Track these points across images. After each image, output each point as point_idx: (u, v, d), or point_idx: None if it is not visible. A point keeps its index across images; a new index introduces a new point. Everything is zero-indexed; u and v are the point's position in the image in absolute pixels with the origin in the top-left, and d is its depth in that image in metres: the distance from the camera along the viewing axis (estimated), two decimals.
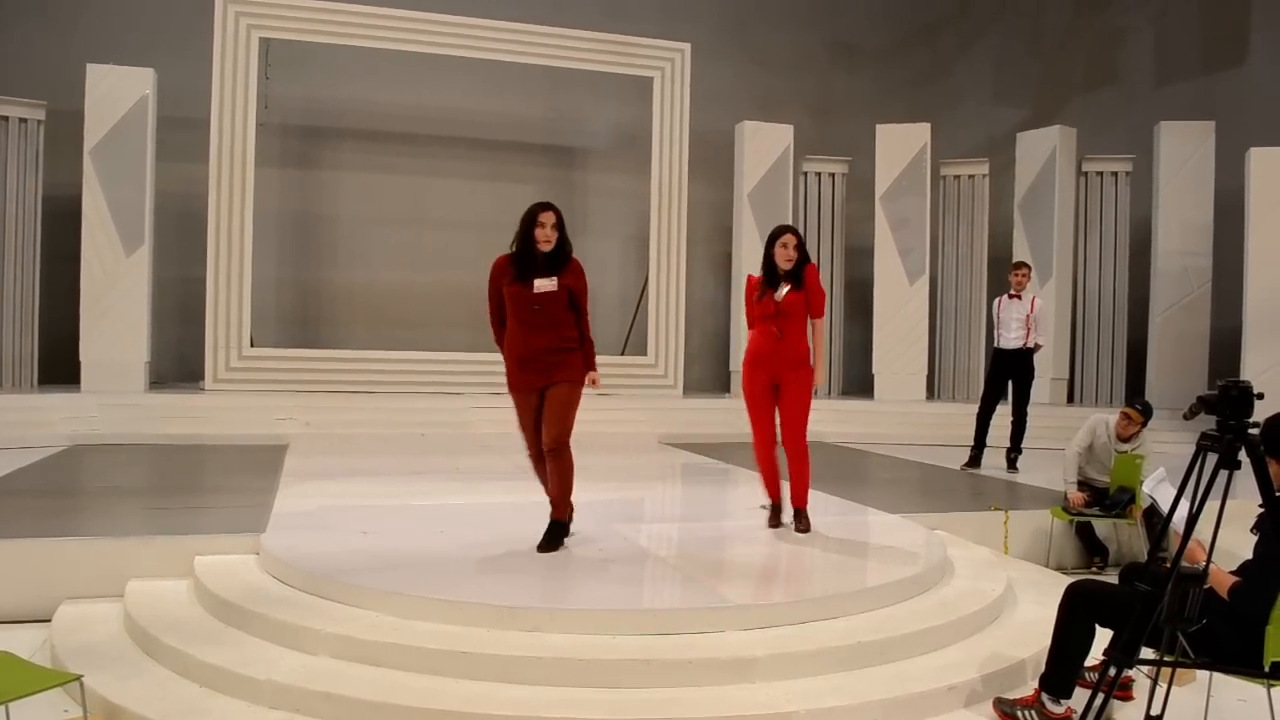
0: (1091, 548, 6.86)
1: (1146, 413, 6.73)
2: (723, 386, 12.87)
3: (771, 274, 5.65)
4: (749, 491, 5.80)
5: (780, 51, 13.93)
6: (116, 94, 10.18)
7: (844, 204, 12.98)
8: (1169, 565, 3.17)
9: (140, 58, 10.48)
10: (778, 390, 5.65)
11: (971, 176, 12.74)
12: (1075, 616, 3.61)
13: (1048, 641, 4.47)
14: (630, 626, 4.01)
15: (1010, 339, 8.93)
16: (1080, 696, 3.59)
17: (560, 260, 5.01)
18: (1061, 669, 3.65)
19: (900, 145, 12.20)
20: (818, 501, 6.02)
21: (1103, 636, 3.74)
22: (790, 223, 11.65)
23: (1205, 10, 12.87)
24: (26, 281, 10.47)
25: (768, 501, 5.90)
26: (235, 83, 10.54)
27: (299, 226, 12.17)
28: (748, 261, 12.08)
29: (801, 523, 5.71)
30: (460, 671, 3.73)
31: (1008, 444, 9.08)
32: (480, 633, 3.93)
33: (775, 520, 5.81)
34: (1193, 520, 3.20)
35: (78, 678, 3.27)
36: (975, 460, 9.10)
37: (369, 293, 12.16)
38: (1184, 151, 11.64)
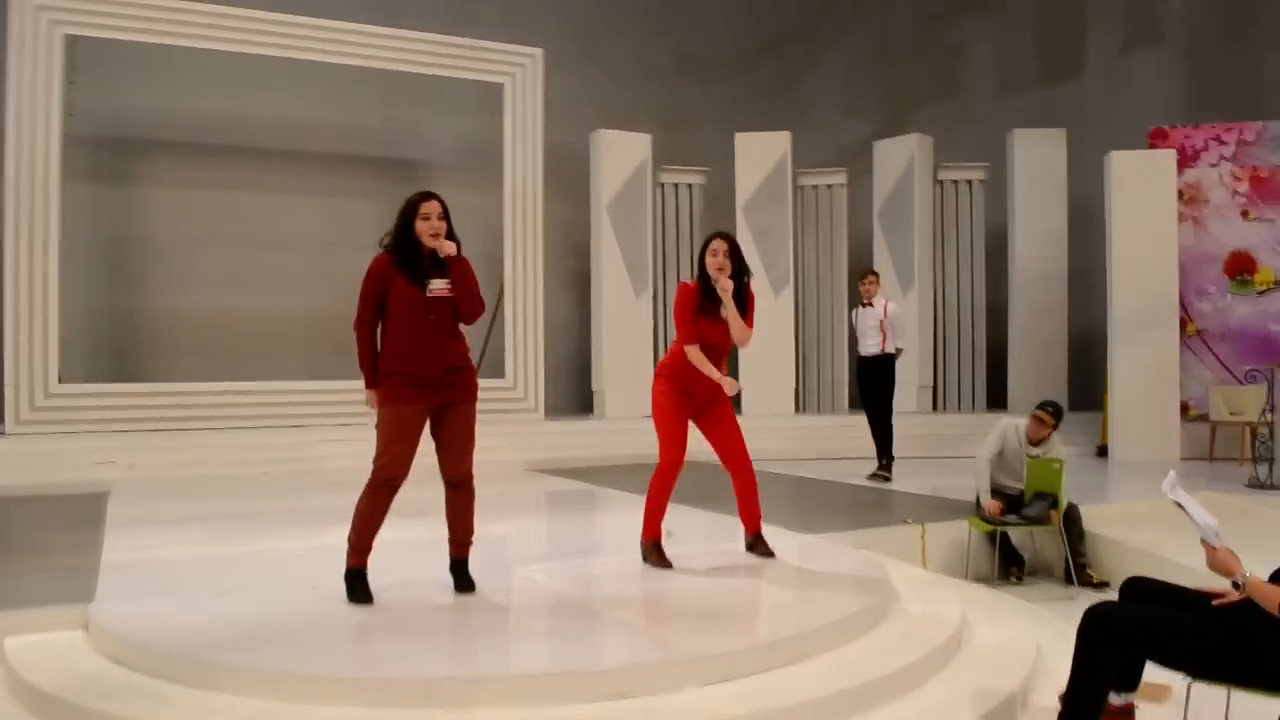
0: (1008, 557, 6.58)
1: (1058, 415, 6.54)
2: (584, 408, 12.26)
3: (707, 288, 4.99)
4: (641, 519, 5.13)
5: (628, 62, 13.49)
6: None
7: (703, 216, 12.59)
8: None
9: None
10: (703, 412, 5.12)
11: (830, 186, 12.58)
12: (1099, 644, 3.13)
13: (1026, 667, 4.08)
14: (575, 692, 3.33)
15: (868, 346, 8.88)
16: None
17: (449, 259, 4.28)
18: (1085, 707, 3.16)
19: (760, 154, 11.93)
20: (715, 524, 5.45)
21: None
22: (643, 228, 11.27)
23: (1043, 25, 13.16)
24: None
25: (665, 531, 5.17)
26: (36, 86, 9.26)
27: (111, 248, 10.84)
28: (608, 277, 11.56)
29: (763, 546, 5.17)
30: None
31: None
32: (395, 714, 3.17)
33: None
34: None
35: None
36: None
37: (194, 320, 10.91)
38: (1037, 158, 11.83)
